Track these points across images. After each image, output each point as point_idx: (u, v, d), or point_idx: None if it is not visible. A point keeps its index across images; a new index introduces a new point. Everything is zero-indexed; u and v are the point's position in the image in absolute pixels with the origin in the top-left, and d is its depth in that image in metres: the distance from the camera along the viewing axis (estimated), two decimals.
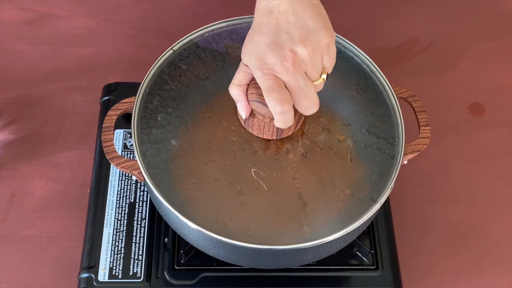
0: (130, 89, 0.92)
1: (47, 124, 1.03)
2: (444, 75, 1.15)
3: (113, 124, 0.80)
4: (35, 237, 0.92)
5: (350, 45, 0.88)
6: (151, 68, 0.84)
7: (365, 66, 0.88)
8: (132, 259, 0.85)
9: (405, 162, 0.81)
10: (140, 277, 0.83)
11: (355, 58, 0.88)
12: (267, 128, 0.82)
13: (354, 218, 0.86)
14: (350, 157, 0.93)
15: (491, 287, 0.94)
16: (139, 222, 0.88)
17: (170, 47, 0.85)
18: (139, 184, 0.91)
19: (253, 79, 0.73)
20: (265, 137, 0.84)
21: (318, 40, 0.67)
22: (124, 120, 0.96)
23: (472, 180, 1.03)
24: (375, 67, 0.86)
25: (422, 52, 1.19)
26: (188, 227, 0.73)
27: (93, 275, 0.83)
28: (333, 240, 0.73)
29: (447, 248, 0.96)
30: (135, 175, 0.78)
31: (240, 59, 0.76)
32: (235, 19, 0.91)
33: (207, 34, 0.89)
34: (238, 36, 0.91)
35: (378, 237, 0.88)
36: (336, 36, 0.87)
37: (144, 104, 0.83)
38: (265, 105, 0.73)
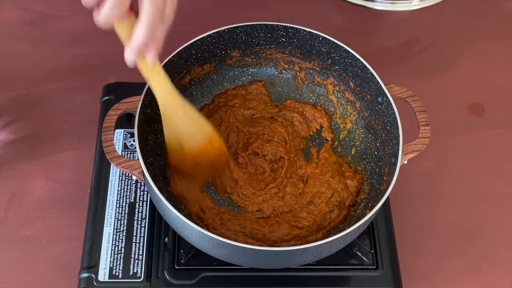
0: (130, 89, 0.92)
1: (47, 124, 1.03)
2: (444, 75, 1.15)
3: (114, 124, 0.80)
4: (35, 237, 0.92)
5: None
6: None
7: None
8: (132, 259, 0.85)
9: (405, 162, 0.81)
10: (140, 277, 0.83)
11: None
12: None
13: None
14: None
15: (491, 287, 0.94)
16: (139, 222, 0.88)
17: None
18: (139, 184, 0.91)
19: None
20: None
21: None
22: (125, 120, 0.96)
23: (472, 180, 1.03)
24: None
25: (422, 52, 1.19)
26: (189, 227, 0.73)
27: (93, 275, 0.83)
28: (333, 240, 0.73)
29: (447, 248, 0.96)
30: (135, 175, 0.78)
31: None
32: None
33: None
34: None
35: (378, 237, 0.88)
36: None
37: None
38: None
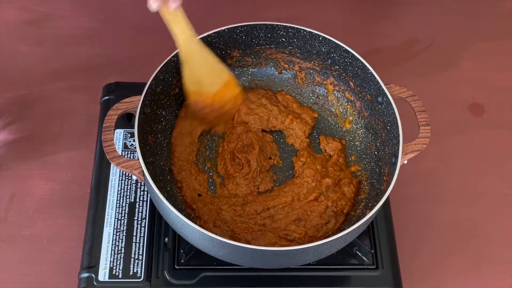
0: (130, 89, 0.92)
1: (47, 124, 1.03)
2: (444, 75, 1.16)
3: (114, 124, 0.80)
4: (36, 237, 0.92)
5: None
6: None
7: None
8: (132, 259, 0.85)
9: (405, 162, 0.81)
10: (140, 277, 0.83)
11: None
12: None
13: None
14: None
15: (491, 287, 0.94)
16: (139, 222, 0.88)
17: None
18: (139, 184, 0.91)
19: None
20: None
21: None
22: (125, 120, 0.96)
23: (472, 180, 1.03)
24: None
25: (422, 52, 1.19)
26: (189, 227, 0.73)
27: (93, 275, 0.83)
28: (333, 240, 0.73)
29: (447, 248, 0.96)
30: (135, 175, 0.78)
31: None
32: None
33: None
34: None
35: (378, 237, 0.88)
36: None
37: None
38: None
